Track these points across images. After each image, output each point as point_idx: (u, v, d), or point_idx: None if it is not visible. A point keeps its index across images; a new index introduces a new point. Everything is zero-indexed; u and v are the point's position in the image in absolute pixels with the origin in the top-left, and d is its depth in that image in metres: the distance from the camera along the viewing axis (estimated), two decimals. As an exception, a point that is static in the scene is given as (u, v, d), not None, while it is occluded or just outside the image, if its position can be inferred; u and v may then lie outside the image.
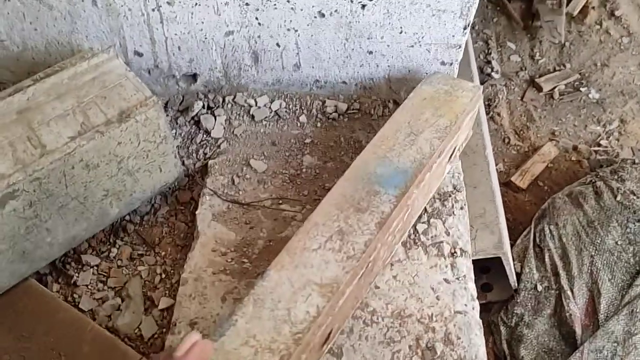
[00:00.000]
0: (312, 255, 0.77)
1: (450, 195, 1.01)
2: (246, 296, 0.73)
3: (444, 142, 0.92)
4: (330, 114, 1.11)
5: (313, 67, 1.08)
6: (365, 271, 0.80)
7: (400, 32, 1.01)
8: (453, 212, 1.00)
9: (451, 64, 1.07)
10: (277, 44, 1.04)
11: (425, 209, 0.99)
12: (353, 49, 1.05)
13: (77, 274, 0.97)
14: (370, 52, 1.05)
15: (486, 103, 2.14)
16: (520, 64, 2.33)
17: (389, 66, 1.08)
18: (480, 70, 2.26)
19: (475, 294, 0.92)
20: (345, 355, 0.83)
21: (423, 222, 0.98)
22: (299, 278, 0.75)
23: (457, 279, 0.93)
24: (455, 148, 0.99)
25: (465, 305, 0.90)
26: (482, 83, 2.19)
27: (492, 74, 2.26)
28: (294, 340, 0.68)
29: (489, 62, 2.30)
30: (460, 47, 1.04)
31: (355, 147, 1.08)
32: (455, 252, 0.95)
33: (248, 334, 0.69)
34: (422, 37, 1.02)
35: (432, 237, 0.96)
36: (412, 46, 1.04)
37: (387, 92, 1.12)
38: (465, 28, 1.01)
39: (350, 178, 0.88)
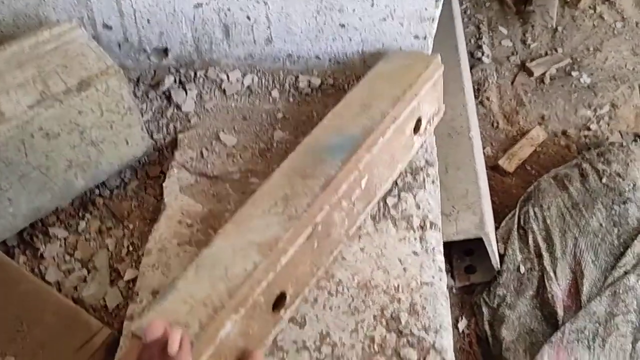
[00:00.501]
0: (255, 221, 0.78)
1: (422, 170, 1.00)
2: (189, 264, 0.73)
3: (396, 108, 0.90)
4: (304, 89, 1.10)
5: (285, 42, 1.07)
6: (315, 233, 0.79)
7: (372, 5, 1.00)
8: (424, 186, 0.99)
9: (425, 37, 1.05)
10: (248, 17, 1.03)
11: (395, 183, 0.98)
12: (325, 22, 1.03)
13: (44, 246, 0.97)
14: (343, 26, 1.04)
15: (475, 87, 2.12)
16: (512, 48, 2.31)
17: (362, 40, 1.06)
18: (471, 55, 2.25)
19: (443, 266, 0.91)
20: (309, 324, 0.82)
21: (393, 196, 0.97)
22: (241, 241, 0.75)
23: (426, 251, 0.92)
24: (420, 119, 0.97)
25: (433, 277, 0.89)
26: (472, 68, 2.17)
27: (483, 58, 2.24)
28: (228, 295, 0.68)
29: (479, 47, 2.28)
30: (433, 20, 1.03)
31: (328, 121, 1.06)
32: (424, 225, 0.94)
33: (186, 294, 0.69)
34: (394, 10, 1.01)
35: (402, 210, 0.95)
36: (385, 19, 1.02)
37: (361, 67, 1.11)
38: (437, 0, 1.00)
39: (300, 151, 0.88)
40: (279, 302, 0.76)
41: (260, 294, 0.70)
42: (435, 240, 0.93)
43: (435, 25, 1.04)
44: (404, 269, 0.89)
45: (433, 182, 0.99)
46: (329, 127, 0.89)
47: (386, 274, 0.88)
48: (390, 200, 0.96)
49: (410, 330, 0.83)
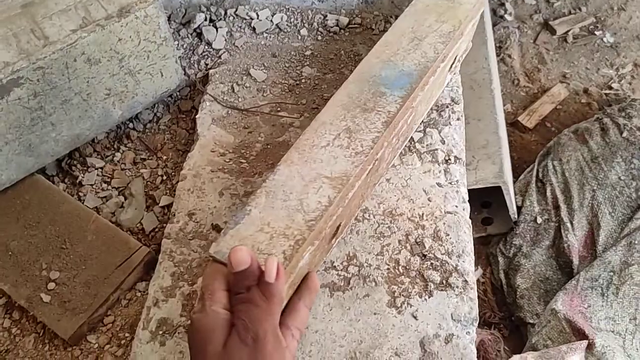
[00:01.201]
0: (321, 152, 0.78)
1: (447, 107, 1.02)
2: (258, 189, 0.74)
3: (447, 47, 0.92)
4: (332, 27, 1.12)
5: (315, -20, 1.09)
6: (372, 169, 0.81)
7: (402, -57, 1.01)
8: (449, 123, 1.01)
9: (453, -23, 1.06)
10: (279, -46, 1.04)
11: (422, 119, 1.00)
12: (354, -40, 1.05)
13: (82, 175, 1.01)
14: (372, -36, 1.05)
15: (497, 45, 2.11)
16: (535, 6, 2.29)
17: (390, -21, 1.08)
18: (494, 12, 2.24)
19: (466, 197, 0.94)
20: (337, 247, 0.85)
21: (419, 131, 0.99)
22: (309, 172, 0.76)
23: (450, 183, 0.95)
24: (456, 57, 0.99)
25: (456, 206, 0.92)
26: (494, 25, 2.16)
27: (506, 16, 2.23)
28: (307, 227, 0.70)
29: (502, 4, 2.27)
30: (462, -42, 1.03)
31: (356, 60, 1.09)
32: (449, 159, 0.97)
33: (262, 222, 0.70)
34: (424, -52, 1.02)
35: (427, 145, 0.98)
36: (414, -43, 1.03)
37: (389, 7, 1.12)
38: (467, -61, 1.00)
39: (355, 80, 0.89)
40: (336, 231, 0.79)
41: (330, 226, 0.72)
42: (460, 173, 0.96)
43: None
44: (429, 199, 0.92)
45: (458, 119, 1.02)
46: (381, 57, 0.90)
47: (411, 203, 0.91)
48: (416, 135, 0.98)
49: (434, 254, 0.86)
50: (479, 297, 1.59)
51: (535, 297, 1.53)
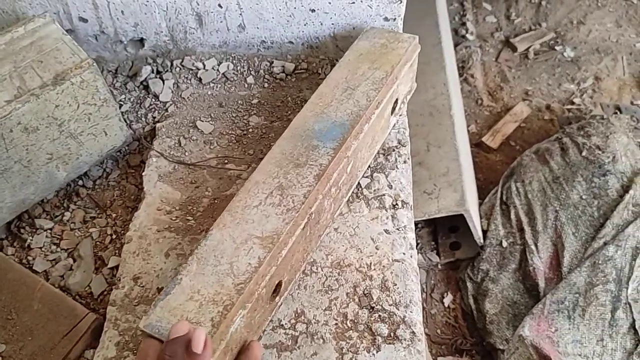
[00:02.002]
0: (253, 212, 0.79)
1: (394, 150, 1.03)
2: (190, 256, 0.74)
3: (381, 93, 0.93)
4: (278, 74, 1.12)
5: (258, 28, 1.09)
6: (310, 222, 0.81)
7: (341, -11, 1.02)
8: (396, 166, 1.01)
9: (394, 19, 1.07)
10: (219, 5, 1.05)
11: (368, 164, 1.01)
12: (295, 8, 1.05)
13: (31, 237, 1.00)
14: (313, 10, 1.06)
15: (460, 65, 2.14)
16: (496, 24, 2.32)
17: (332, 24, 1.08)
18: (455, 32, 2.26)
19: (414, 243, 0.94)
20: (284, 304, 0.85)
21: (366, 177, 0.99)
22: (241, 234, 0.76)
23: (397, 229, 0.95)
24: (397, 100, 1.00)
25: (404, 253, 0.92)
26: (456, 45, 2.19)
27: (467, 35, 2.25)
28: (236, 291, 0.70)
29: (464, 24, 2.30)
30: (401, 1, 1.04)
31: (302, 106, 1.09)
32: (396, 204, 0.97)
33: (192, 290, 0.70)
34: (363, -7, 1.03)
35: (374, 190, 0.98)
36: (354, 2, 1.04)
37: (334, 50, 1.13)
38: (405, -18, 1.01)
39: (288, 137, 0.89)
40: (276, 290, 0.79)
41: (264, 286, 0.72)
42: (407, 218, 0.96)
43: (403, 6, 1.06)
44: (376, 247, 0.92)
45: (405, 161, 1.02)
46: (315, 110, 0.91)
47: (359, 253, 0.91)
48: (363, 181, 0.99)
49: (382, 306, 0.86)
50: (450, 323, 1.60)
51: (504, 322, 1.53)
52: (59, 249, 1.00)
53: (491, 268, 1.59)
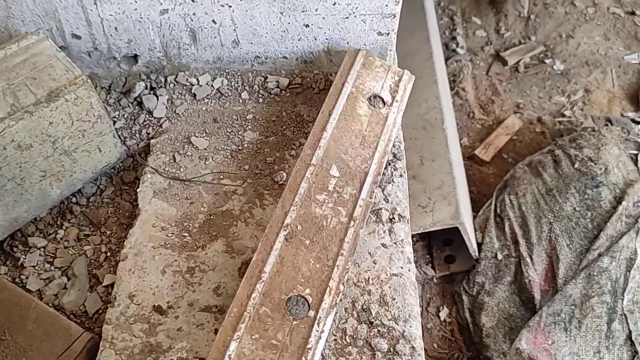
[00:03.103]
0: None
1: (389, 164, 1.03)
2: None
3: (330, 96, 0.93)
4: (272, 89, 1.12)
5: (252, 43, 1.09)
6: (295, 233, 0.82)
7: (334, 4, 1.02)
8: (392, 180, 1.01)
9: (388, 33, 1.08)
10: (213, 21, 1.05)
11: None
12: (289, 23, 1.06)
13: (24, 256, 0.99)
14: (307, 25, 1.06)
15: (451, 79, 2.15)
16: (486, 38, 2.35)
17: (327, 39, 1.09)
18: (446, 47, 2.28)
19: (411, 257, 0.94)
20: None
21: (363, 191, 0.99)
22: None
23: (395, 243, 0.94)
24: (375, 94, 1.02)
25: (401, 267, 0.92)
26: (447, 59, 2.20)
27: (458, 49, 2.27)
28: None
29: (454, 38, 2.32)
30: (395, 16, 1.05)
31: (297, 120, 1.09)
32: (393, 217, 0.97)
33: None
34: (356, 8, 1.03)
35: (371, 204, 0.98)
36: (347, 17, 1.05)
37: (328, 65, 1.13)
38: (398, -3, 1.02)
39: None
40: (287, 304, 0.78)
41: (254, 305, 0.74)
42: (404, 232, 0.96)
43: (397, 21, 1.06)
44: (374, 262, 0.92)
45: (401, 175, 1.02)
46: None
47: (357, 267, 0.91)
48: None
49: (381, 321, 0.86)
50: (446, 337, 1.59)
51: (500, 336, 1.53)
52: (52, 268, 0.99)
53: (487, 281, 1.58)
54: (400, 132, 1.08)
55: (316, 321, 0.75)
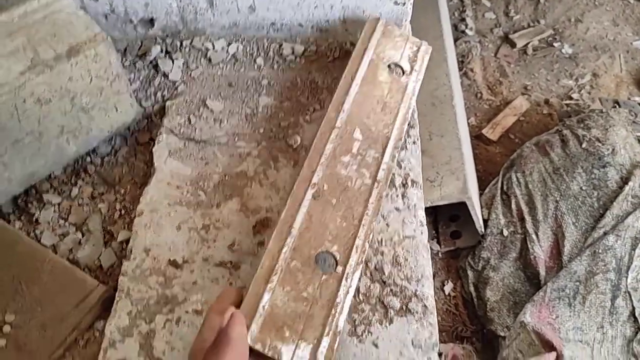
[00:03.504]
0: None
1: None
2: None
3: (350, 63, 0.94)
4: (287, 56, 1.13)
5: (268, 10, 1.10)
6: (322, 192, 0.85)
7: (352, -29, 1.03)
8: (406, 147, 1.02)
9: (404, 3, 1.08)
10: (231, -15, 1.05)
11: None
12: (306, -11, 1.06)
13: (38, 212, 1.00)
14: (324, -8, 1.06)
15: (459, 59, 2.15)
16: (495, 20, 2.35)
17: (343, 7, 1.09)
18: (455, 28, 2.28)
19: (424, 221, 0.95)
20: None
21: (376, 156, 1.00)
22: None
23: (408, 207, 0.95)
24: (395, 63, 1.02)
25: (414, 230, 0.93)
26: (456, 40, 2.20)
27: (467, 31, 2.27)
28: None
29: (463, 20, 2.32)
30: (411, -15, 1.05)
31: (311, 87, 1.10)
32: (406, 183, 0.98)
33: None
34: (374, -24, 1.04)
35: (393, 168, 0.99)
36: (364, -15, 1.05)
37: (343, 34, 1.13)
38: (416, -35, 1.02)
39: None
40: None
41: (286, 259, 0.77)
42: (417, 197, 0.97)
43: (414, -10, 1.07)
44: (387, 224, 0.93)
45: (414, 142, 1.03)
46: None
47: (370, 229, 0.92)
48: (373, 160, 0.99)
49: (394, 280, 0.87)
50: (450, 311, 1.61)
51: (504, 310, 1.54)
52: (67, 224, 1.00)
53: (492, 256, 1.60)
54: (413, 102, 1.09)
55: (344, 276, 0.76)
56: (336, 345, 0.70)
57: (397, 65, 1.03)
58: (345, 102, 0.93)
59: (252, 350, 0.66)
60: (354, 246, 0.79)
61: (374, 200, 0.85)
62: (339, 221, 0.81)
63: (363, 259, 0.80)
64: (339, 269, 0.77)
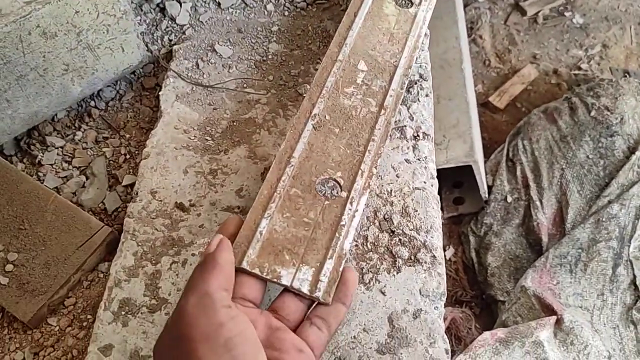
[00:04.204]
0: None
1: (416, 83, 1.01)
2: None
3: None
4: (299, 3, 1.09)
5: (281, -46, 1.06)
6: (324, 122, 0.82)
7: None
8: (418, 99, 1.00)
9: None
10: None
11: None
12: None
13: (41, 154, 0.98)
14: (339, -63, 1.03)
15: (469, 26, 2.12)
16: (506, -12, 2.30)
17: (358, -47, 1.05)
18: (465, -6, 2.23)
19: (435, 173, 0.93)
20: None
21: (387, 108, 0.98)
22: None
23: (418, 159, 0.94)
24: None
25: (424, 182, 0.91)
26: (466, 6, 2.16)
27: (477, -3, 2.23)
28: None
29: (474, -14, 2.27)
30: None
31: (323, 36, 1.07)
32: (417, 135, 0.96)
33: None
34: None
35: (395, 121, 0.97)
36: None
37: (357, -18, 1.10)
38: None
39: None
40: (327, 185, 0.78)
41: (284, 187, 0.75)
42: (428, 149, 0.95)
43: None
44: (397, 175, 0.91)
45: (427, 95, 1.01)
46: None
47: (379, 179, 0.90)
48: (385, 112, 0.97)
49: (402, 230, 0.85)
50: (450, 276, 1.60)
51: (505, 275, 1.54)
52: (70, 167, 0.98)
53: (495, 222, 1.59)
54: (427, 53, 1.06)
55: (349, 201, 0.73)
56: (341, 268, 0.67)
57: None
58: (347, 36, 0.89)
59: (242, 274, 0.64)
60: (359, 171, 0.76)
61: (382, 126, 0.82)
62: (342, 149, 0.78)
63: (370, 184, 0.77)
64: (343, 193, 0.75)
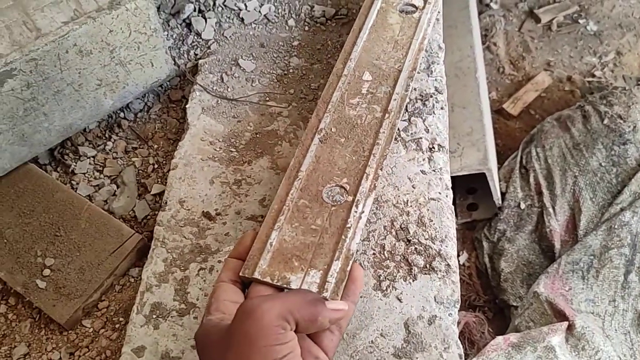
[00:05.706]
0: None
1: (431, 96, 1.05)
2: None
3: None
4: (319, 18, 1.14)
5: (302, -29, 1.10)
6: (330, 135, 0.86)
7: None
8: (433, 112, 1.04)
9: (437, -31, 1.08)
10: (266, -55, 1.06)
11: (406, 109, 1.03)
12: (340, -49, 1.06)
13: (74, 164, 1.03)
14: (358, -45, 1.07)
15: (483, 33, 2.14)
16: (520, -5, 2.32)
17: (376, -30, 1.09)
18: (479, 1, 2.26)
19: (449, 184, 0.97)
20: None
21: (404, 120, 1.02)
22: None
23: (434, 170, 0.97)
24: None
25: (440, 193, 0.95)
26: (480, 14, 2.19)
27: (491, 4, 2.25)
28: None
29: (488, -7, 2.29)
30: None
31: (342, 49, 1.11)
32: (433, 147, 1.00)
33: None
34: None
35: (411, 133, 1.01)
36: (399, -52, 1.05)
37: (375, -2, 1.14)
38: None
39: None
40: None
41: (293, 199, 0.78)
42: (443, 161, 0.99)
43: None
44: (413, 186, 0.95)
45: (442, 108, 1.04)
46: None
47: (396, 190, 0.94)
48: (401, 124, 1.01)
49: (418, 240, 0.89)
50: (464, 281, 1.64)
51: (518, 281, 1.57)
52: (102, 176, 1.03)
53: (508, 228, 1.62)
54: (442, 67, 1.10)
55: (354, 204, 0.76)
56: (349, 268, 0.69)
57: (408, 4, 1.02)
58: (352, 51, 0.93)
59: (256, 283, 0.67)
60: (364, 174, 0.79)
61: (386, 130, 0.84)
62: (348, 157, 0.82)
63: (375, 186, 0.79)
64: (349, 198, 0.77)
